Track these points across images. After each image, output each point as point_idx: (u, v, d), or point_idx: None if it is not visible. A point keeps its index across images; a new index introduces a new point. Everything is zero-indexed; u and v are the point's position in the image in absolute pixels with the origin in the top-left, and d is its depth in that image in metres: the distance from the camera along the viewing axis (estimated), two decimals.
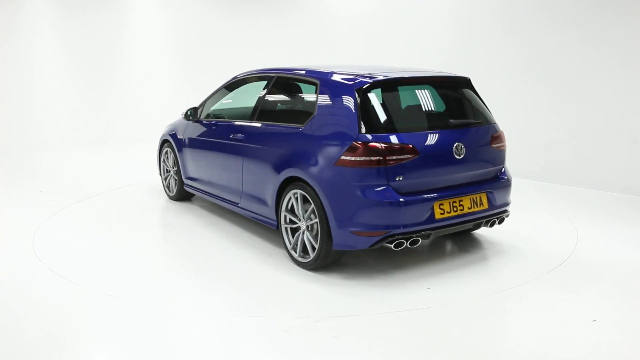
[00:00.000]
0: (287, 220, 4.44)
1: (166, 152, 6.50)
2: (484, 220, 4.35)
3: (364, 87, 4.10)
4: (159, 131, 11.29)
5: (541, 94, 7.34)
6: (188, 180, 6.06)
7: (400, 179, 3.93)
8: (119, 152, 10.10)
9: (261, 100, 5.07)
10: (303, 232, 4.28)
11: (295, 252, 4.37)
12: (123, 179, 7.73)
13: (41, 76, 10.44)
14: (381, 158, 3.89)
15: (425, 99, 4.57)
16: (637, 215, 5.80)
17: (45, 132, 10.41)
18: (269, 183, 4.58)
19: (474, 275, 4.24)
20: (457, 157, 4.15)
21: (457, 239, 4.97)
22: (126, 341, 3.26)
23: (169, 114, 11.38)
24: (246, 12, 11.58)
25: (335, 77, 4.35)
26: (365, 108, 4.05)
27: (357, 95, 4.08)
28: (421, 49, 8.61)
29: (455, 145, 4.15)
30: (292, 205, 4.38)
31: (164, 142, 6.53)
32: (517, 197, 6.62)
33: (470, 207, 4.22)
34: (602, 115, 6.80)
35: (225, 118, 5.61)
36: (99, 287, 3.98)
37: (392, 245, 3.94)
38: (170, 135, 6.34)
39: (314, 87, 4.45)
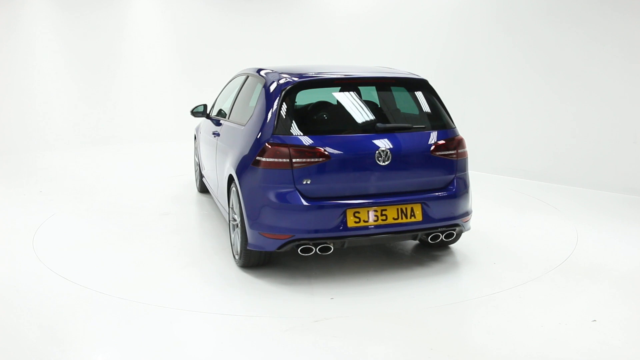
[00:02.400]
0: (233, 217, 4.47)
1: (196, 147, 6.83)
2: (421, 233, 4.04)
3: (288, 87, 4.08)
4: (160, 131, 11.36)
5: (541, 94, 7.34)
6: (203, 173, 6.35)
7: (308, 182, 3.82)
8: (119, 152, 10.10)
9: (234, 99, 5.21)
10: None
11: (233, 248, 4.42)
12: (123, 179, 7.74)
13: (41, 76, 10.44)
14: (287, 160, 3.82)
15: (359, 100, 4.44)
16: (637, 215, 5.80)
17: (46, 132, 10.42)
18: (223, 179, 4.70)
19: (473, 275, 4.24)
20: (381, 163, 3.90)
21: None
22: (126, 341, 3.26)
23: (170, 114, 11.40)
24: (246, 11, 11.58)
25: (273, 78, 4.33)
26: (285, 109, 4.03)
27: (280, 95, 4.06)
28: (422, 48, 8.61)
29: (378, 150, 3.91)
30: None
31: (195, 137, 6.92)
32: (517, 197, 6.64)
33: (397, 217, 3.92)
34: (602, 115, 6.80)
35: (219, 115, 5.71)
36: (99, 287, 3.98)
37: (299, 250, 3.87)
38: (196, 130, 6.73)
39: (261, 87, 4.49)
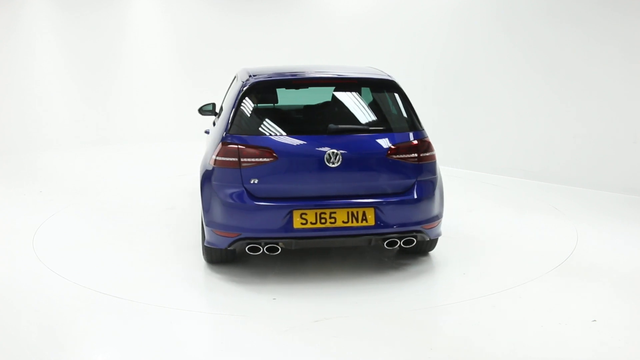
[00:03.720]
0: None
1: None
2: (374, 238, 3.92)
3: (245, 89, 4.14)
4: (160, 131, 11.34)
5: (541, 94, 7.34)
6: None
7: (255, 182, 3.84)
8: (119, 152, 10.09)
9: (223, 98, 5.31)
10: None
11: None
12: (123, 179, 7.73)
13: (42, 76, 10.43)
14: (236, 159, 3.87)
15: (318, 101, 4.42)
16: (637, 215, 5.80)
17: (46, 132, 10.41)
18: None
19: (473, 275, 4.23)
20: (330, 165, 3.84)
21: (455, 237, 4.97)
22: (126, 341, 3.26)
23: (170, 114, 11.39)
24: (246, 11, 11.57)
25: (242, 78, 4.39)
26: (242, 108, 4.09)
27: (240, 95, 4.12)
28: (422, 48, 8.60)
29: (327, 152, 3.85)
30: None
31: None
32: (517, 197, 6.64)
33: (347, 221, 3.83)
34: (602, 115, 6.80)
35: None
36: (99, 287, 3.98)
37: (246, 249, 3.91)
38: None
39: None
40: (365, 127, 4.13)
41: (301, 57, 10.24)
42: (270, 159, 3.85)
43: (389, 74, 4.52)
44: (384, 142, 3.99)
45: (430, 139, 4.17)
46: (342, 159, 3.85)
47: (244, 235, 3.85)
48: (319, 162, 3.84)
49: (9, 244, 5.01)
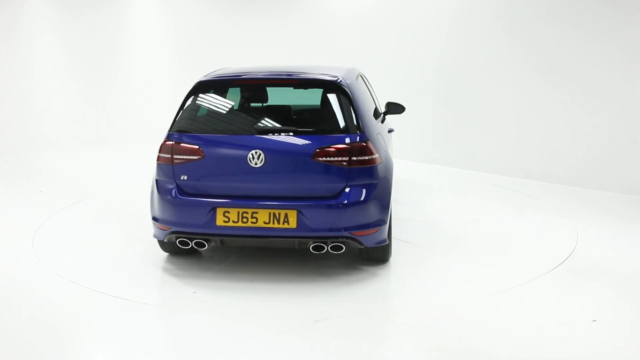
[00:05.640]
0: None
1: None
2: (297, 240, 3.88)
3: (193, 87, 4.30)
4: (160, 131, 11.32)
5: (541, 94, 7.34)
6: None
7: (185, 178, 4.00)
8: (119, 152, 10.10)
9: None
10: None
11: None
12: (123, 179, 7.74)
13: (42, 76, 10.44)
14: (169, 156, 4.05)
15: (255, 101, 4.54)
16: (637, 215, 5.80)
17: (46, 132, 10.41)
18: None
19: (473, 275, 4.23)
20: (253, 165, 3.85)
21: (454, 237, 4.97)
22: (126, 341, 3.26)
23: (170, 114, 11.38)
24: (246, 11, 11.58)
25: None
26: (185, 107, 4.25)
27: (186, 94, 4.28)
28: (422, 48, 8.60)
29: (251, 152, 3.87)
30: None
31: None
32: (517, 197, 6.64)
33: (268, 222, 3.82)
34: (602, 115, 6.80)
35: None
36: (99, 287, 3.98)
37: (177, 242, 4.06)
38: None
39: None
40: (295, 128, 4.09)
41: (301, 57, 10.25)
42: (198, 156, 3.97)
43: (342, 75, 4.30)
44: (312, 144, 3.89)
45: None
46: (265, 159, 3.86)
47: (173, 229, 4.01)
48: (243, 162, 3.89)
49: (9, 244, 5.01)
